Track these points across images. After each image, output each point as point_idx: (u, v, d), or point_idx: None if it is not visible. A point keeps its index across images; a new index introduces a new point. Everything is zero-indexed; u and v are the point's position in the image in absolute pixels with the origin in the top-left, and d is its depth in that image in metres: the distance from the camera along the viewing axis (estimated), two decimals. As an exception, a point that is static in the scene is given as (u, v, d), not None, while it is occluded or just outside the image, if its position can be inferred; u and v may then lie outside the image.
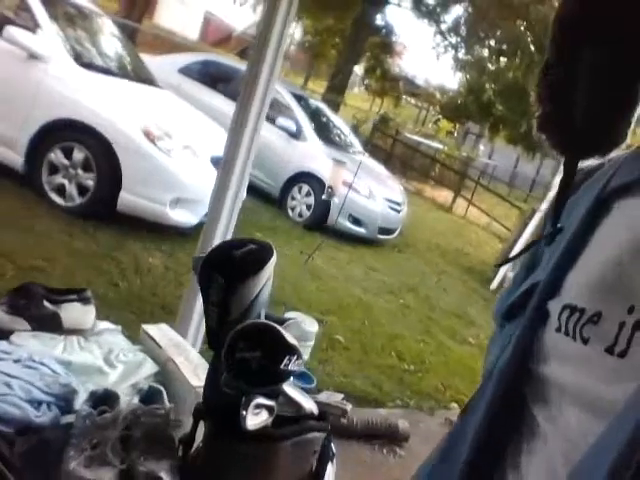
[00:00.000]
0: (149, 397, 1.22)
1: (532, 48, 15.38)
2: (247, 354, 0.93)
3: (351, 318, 4.79)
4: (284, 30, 2.17)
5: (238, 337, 0.94)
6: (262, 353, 0.94)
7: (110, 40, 5.54)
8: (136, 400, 1.20)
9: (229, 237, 2.43)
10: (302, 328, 3.69)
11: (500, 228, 10.96)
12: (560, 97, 0.54)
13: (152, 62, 7.62)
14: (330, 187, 4.17)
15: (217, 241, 2.34)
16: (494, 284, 7.51)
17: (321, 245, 6.09)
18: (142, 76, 5.42)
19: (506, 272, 7.55)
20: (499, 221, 11.39)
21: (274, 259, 1.08)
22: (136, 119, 4.35)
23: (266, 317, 1.18)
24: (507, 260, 0.62)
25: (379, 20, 15.89)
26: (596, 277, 0.51)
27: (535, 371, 0.54)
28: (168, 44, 13.96)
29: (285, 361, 0.96)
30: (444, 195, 13.66)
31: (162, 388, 1.25)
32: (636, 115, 0.54)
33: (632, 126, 0.55)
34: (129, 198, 4.29)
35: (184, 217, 4.48)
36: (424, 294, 6.19)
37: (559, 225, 0.57)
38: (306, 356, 3.71)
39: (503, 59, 16.87)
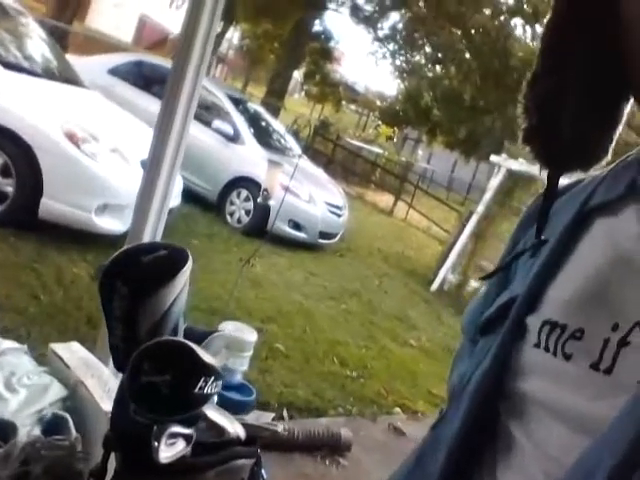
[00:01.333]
0: (53, 426, 1.08)
1: (468, 56, 15.86)
2: (155, 378, 0.81)
3: (292, 325, 4.69)
4: (210, 29, 2.08)
5: (143, 358, 0.81)
6: (172, 376, 0.81)
7: (32, 40, 5.23)
8: (37, 430, 1.06)
9: (158, 237, 2.27)
10: (239, 338, 3.55)
11: (439, 231, 11.16)
12: (547, 109, 0.54)
13: (80, 63, 7.31)
14: (266, 190, 4.04)
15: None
16: (434, 286, 7.60)
17: (259, 251, 5.95)
18: (67, 77, 5.14)
19: (446, 274, 7.67)
20: (438, 224, 11.61)
21: (189, 265, 0.96)
22: (58, 121, 4.09)
23: (188, 331, 1.06)
24: (492, 274, 0.59)
25: (318, 26, 15.97)
26: (578, 293, 0.51)
27: (512, 387, 0.53)
28: (101, 46, 13.49)
29: (200, 384, 0.83)
30: (385, 199, 13.81)
31: (68, 416, 1.10)
32: (618, 132, 0.55)
33: (614, 143, 0.55)
34: (51, 205, 4.02)
35: (112, 224, 4.25)
36: (366, 298, 6.17)
37: (543, 237, 0.56)
38: (245, 367, 3.57)
39: (440, 66, 17.31)
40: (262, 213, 6.48)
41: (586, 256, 0.53)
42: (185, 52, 2.02)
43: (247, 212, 6.61)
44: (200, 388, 0.81)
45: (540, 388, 0.51)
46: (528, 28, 15.15)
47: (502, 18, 15.26)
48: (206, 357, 0.83)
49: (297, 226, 6.78)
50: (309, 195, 6.88)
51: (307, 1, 13.81)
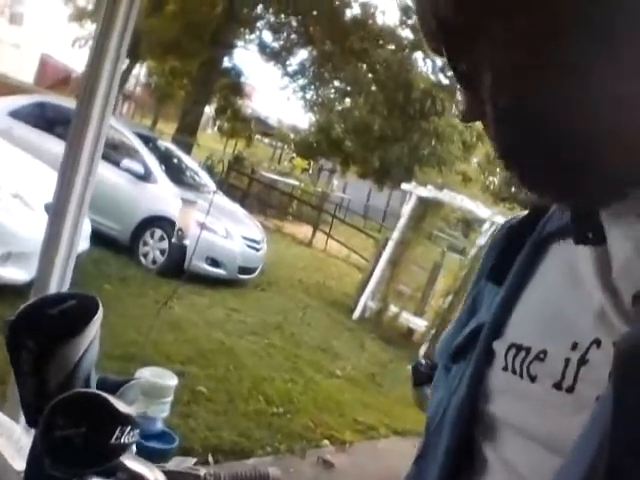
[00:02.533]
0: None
1: (374, 88, 16.53)
2: (69, 431, 0.76)
3: (214, 366, 4.57)
4: (115, 67, 2.03)
5: (56, 412, 0.77)
6: (87, 428, 0.77)
7: None
8: None
9: (66, 287, 2.15)
10: (157, 384, 3.40)
11: (359, 259, 11.37)
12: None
13: (-25, 105, 6.94)
14: (180, 229, 3.96)
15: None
16: (356, 314, 7.70)
17: (177, 292, 5.80)
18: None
19: (366, 302, 7.80)
20: (357, 252, 11.83)
21: (100, 315, 0.92)
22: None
23: (101, 381, 1.01)
24: (464, 306, 0.68)
25: (227, 62, 16.07)
26: (539, 316, 0.53)
27: (484, 410, 0.55)
28: (2, 89, 12.85)
29: (116, 434, 0.79)
30: (304, 230, 13.92)
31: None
32: None
33: None
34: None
35: (16, 274, 4.00)
36: (289, 331, 6.14)
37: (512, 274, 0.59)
38: (165, 413, 3.41)
39: (349, 99, 17.89)
40: (177, 252, 6.34)
41: (543, 280, 0.55)
42: (90, 91, 1.96)
43: (162, 252, 6.44)
44: (117, 438, 0.78)
45: (509, 410, 0.52)
46: (428, 61, 16.05)
47: (404, 52, 16.08)
48: (121, 406, 0.80)
49: (215, 263, 6.67)
50: (226, 231, 6.81)
51: (214, 39, 13.91)
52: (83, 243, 5.07)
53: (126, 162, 6.66)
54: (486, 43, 0.45)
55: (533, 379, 0.50)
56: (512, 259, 0.59)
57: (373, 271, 8.00)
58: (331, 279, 9.74)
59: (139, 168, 6.70)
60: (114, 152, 6.99)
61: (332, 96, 18.10)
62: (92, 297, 0.92)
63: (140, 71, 23.15)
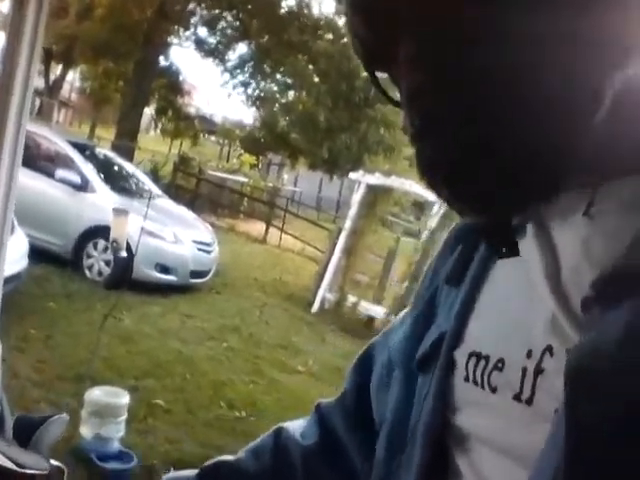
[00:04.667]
0: None
1: (317, 80, 16.44)
2: None
3: (171, 376, 4.42)
4: (29, 69, 1.88)
5: None
6: None
7: None
8: None
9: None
10: (109, 405, 3.24)
11: (314, 251, 11.32)
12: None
13: None
14: (115, 241, 3.78)
15: None
16: (315, 307, 7.64)
17: (127, 303, 5.58)
18: None
19: (324, 294, 7.75)
20: (312, 245, 11.77)
21: None
22: None
23: (20, 421, 0.90)
24: (412, 306, 0.70)
25: (163, 61, 15.64)
26: (494, 322, 0.52)
27: (453, 423, 0.54)
28: None
29: None
30: (257, 227, 13.76)
31: None
32: None
33: None
34: None
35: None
36: (247, 332, 6.02)
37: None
38: (121, 432, 3.25)
39: (292, 92, 17.76)
40: (123, 262, 6.11)
41: (498, 284, 0.54)
42: (3, 101, 1.82)
43: (107, 263, 6.20)
44: None
45: (475, 421, 0.52)
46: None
47: (343, 41, 16.06)
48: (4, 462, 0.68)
49: (165, 269, 6.46)
50: (174, 235, 6.61)
51: (147, 39, 13.49)
52: (20, 262, 4.81)
53: (61, 172, 6.37)
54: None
55: (494, 390, 0.49)
56: (468, 260, 0.57)
57: (329, 262, 7.96)
58: (287, 274, 9.65)
59: (75, 178, 6.42)
60: (48, 163, 6.68)
61: (274, 90, 17.91)
62: None
63: (75, 77, 22.39)
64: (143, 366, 4.44)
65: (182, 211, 7.94)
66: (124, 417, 3.23)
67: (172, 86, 16.39)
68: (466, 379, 0.52)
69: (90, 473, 2.93)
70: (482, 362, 0.51)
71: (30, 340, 4.32)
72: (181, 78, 17.02)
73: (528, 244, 0.50)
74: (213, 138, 26.39)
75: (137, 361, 4.52)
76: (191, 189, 14.37)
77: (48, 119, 15.98)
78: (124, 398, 3.23)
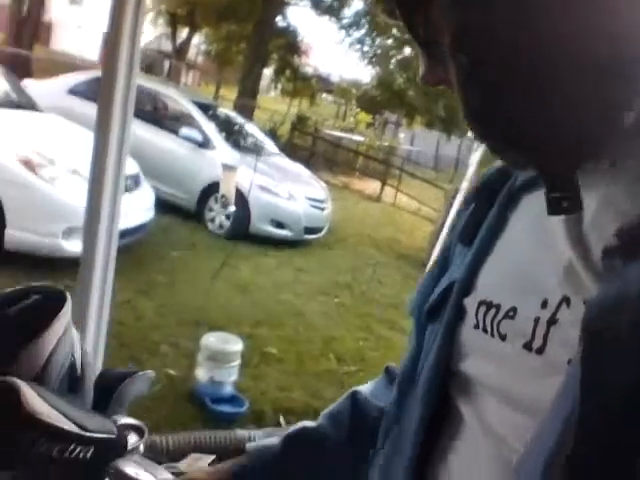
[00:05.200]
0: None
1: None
2: None
3: (283, 327, 4.54)
4: (136, 24, 1.93)
5: None
6: None
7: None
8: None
9: (112, 261, 2.10)
10: (223, 350, 3.39)
11: (430, 211, 11.00)
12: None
13: (40, 87, 7.13)
14: (223, 196, 3.88)
15: (98, 269, 2.03)
16: (429, 267, 7.45)
17: (244, 254, 5.80)
18: (20, 102, 4.97)
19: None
20: (428, 204, 11.45)
21: (68, 309, 0.81)
22: (12, 149, 3.93)
23: (104, 375, 0.90)
24: (437, 261, 0.71)
25: (281, 21, 15.74)
26: (508, 272, 0.52)
27: (458, 368, 0.55)
28: (67, 67, 13.26)
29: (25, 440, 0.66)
30: (372, 186, 13.64)
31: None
32: None
33: None
34: (16, 235, 3.87)
35: (79, 247, 4.10)
36: (359, 289, 6.02)
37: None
38: (233, 377, 3.39)
39: (408, 48, 17.11)
40: (241, 217, 6.34)
41: (514, 235, 0.54)
42: (112, 53, 1.88)
43: (228, 217, 6.45)
44: (28, 445, 0.62)
45: (481, 369, 0.52)
46: None
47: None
48: (39, 408, 0.65)
49: (280, 225, 6.62)
50: (288, 192, 6.72)
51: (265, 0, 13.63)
52: (147, 212, 5.14)
53: (185, 130, 6.68)
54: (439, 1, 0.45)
55: (503, 338, 0.49)
56: (481, 218, 0.58)
57: (444, 222, 7.68)
58: (401, 233, 9.49)
59: (198, 136, 6.70)
60: (174, 122, 7.03)
61: (391, 46, 17.36)
62: (59, 290, 0.80)
63: (200, 40, 23.27)
64: (257, 315, 4.60)
65: (297, 168, 8.03)
66: (237, 362, 3.37)
67: (290, 46, 16.49)
68: (475, 326, 0.52)
69: (203, 415, 3.11)
70: (492, 310, 0.51)
71: (155, 285, 4.64)
72: (298, 38, 17.04)
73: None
74: (330, 97, 26.36)
75: (252, 310, 4.69)
76: (307, 147, 14.53)
77: (176, 81, 16.84)
78: (237, 345, 3.37)
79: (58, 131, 4.70)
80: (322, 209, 7.25)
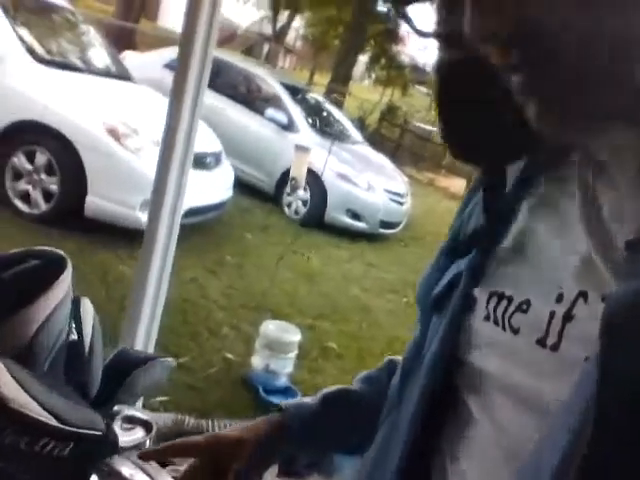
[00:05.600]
0: None
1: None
2: None
3: (347, 322, 4.41)
4: (214, 4, 1.89)
5: None
6: None
7: (77, 35, 5.24)
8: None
9: (174, 236, 2.07)
10: (281, 339, 3.30)
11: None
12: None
13: (138, 59, 7.37)
14: (294, 178, 3.76)
15: (160, 243, 2.00)
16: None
17: (316, 243, 5.71)
18: (116, 72, 5.11)
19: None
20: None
21: (68, 276, 0.75)
22: (100, 117, 4.03)
23: (121, 355, 0.85)
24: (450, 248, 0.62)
25: (381, 6, 15.44)
26: (520, 263, 0.50)
27: (466, 360, 0.53)
28: (169, 43, 13.74)
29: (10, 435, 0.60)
30: (458, 184, 13.15)
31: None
32: None
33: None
34: (96, 202, 3.97)
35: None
36: (431, 290, 5.78)
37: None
38: (289, 369, 3.31)
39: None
40: (318, 203, 6.24)
41: (528, 224, 0.52)
42: (192, 20, 1.84)
43: (304, 203, 6.39)
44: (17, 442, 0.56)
45: (491, 362, 0.50)
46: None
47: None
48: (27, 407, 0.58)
49: (356, 216, 6.46)
50: (367, 183, 6.54)
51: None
52: (227, 191, 5.16)
53: (270, 112, 6.67)
54: None
55: (516, 332, 0.48)
56: (494, 200, 0.55)
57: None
58: (483, 236, 9.07)
59: (283, 118, 6.66)
60: (262, 102, 7.04)
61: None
62: (59, 255, 0.76)
63: (300, 24, 23.39)
64: (322, 307, 4.50)
65: (380, 159, 7.83)
66: (294, 354, 3.28)
67: (388, 33, 16.15)
68: (486, 318, 0.51)
69: (255, 403, 3.05)
70: (504, 302, 0.49)
71: (224, 265, 4.64)
72: (397, 25, 16.65)
73: (572, 183, 0.48)
74: (424, 89, 25.74)
75: (317, 301, 4.59)
76: (394, 139, 14.23)
77: (273, 64, 17.05)
78: (296, 335, 3.28)
79: (147, 103, 4.77)
80: (401, 203, 7.02)
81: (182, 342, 3.34)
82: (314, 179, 6.05)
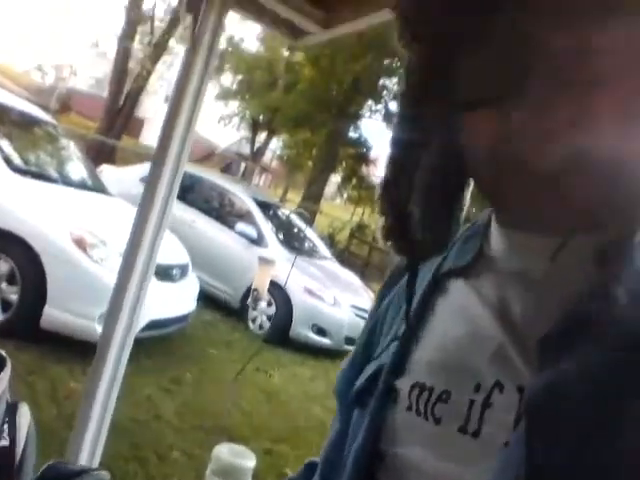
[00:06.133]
0: None
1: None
2: None
3: (307, 445, 4.20)
4: (192, 114, 1.98)
5: None
6: None
7: (57, 148, 5.40)
8: None
9: (127, 350, 2.01)
10: (233, 464, 3.12)
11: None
12: (398, 210, 0.57)
13: (115, 172, 7.58)
14: (256, 290, 3.76)
15: (114, 347, 1.94)
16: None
17: (279, 361, 5.59)
18: (91, 185, 5.23)
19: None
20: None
21: (6, 376, 0.78)
22: (68, 227, 4.04)
23: (50, 470, 0.79)
24: (364, 333, 0.69)
25: (352, 132, 16.46)
26: (440, 355, 0.53)
27: (389, 453, 0.54)
28: (148, 159, 14.26)
29: None
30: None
31: None
32: (463, 214, 0.57)
33: (460, 225, 0.57)
34: (54, 314, 3.87)
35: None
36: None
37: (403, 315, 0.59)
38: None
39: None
40: (283, 319, 6.19)
41: (443, 320, 0.55)
42: (167, 135, 1.90)
43: (269, 318, 6.33)
44: None
45: (415, 452, 0.51)
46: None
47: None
48: None
49: (321, 331, 6.40)
50: (334, 298, 6.57)
51: (341, 111, 14.38)
52: (191, 304, 5.10)
53: (241, 226, 6.80)
54: None
55: (437, 421, 0.49)
56: (411, 293, 0.58)
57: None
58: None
59: (252, 232, 6.79)
60: (233, 217, 7.20)
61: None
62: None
63: (277, 145, 24.66)
64: (282, 429, 4.30)
65: (348, 276, 7.93)
66: (248, 481, 3.08)
67: (359, 156, 17.10)
68: (409, 408, 0.52)
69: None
70: (425, 393, 0.51)
71: (182, 383, 4.46)
72: (368, 149, 17.70)
73: (482, 285, 0.52)
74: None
75: (277, 422, 4.40)
76: (363, 256, 14.51)
77: (249, 181, 17.71)
78: (251, 461, 3.08)
79: (118, 214, 4.83)
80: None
81: (129, 467, 3.12)
82: (280, 293, 6.05)
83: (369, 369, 0.59)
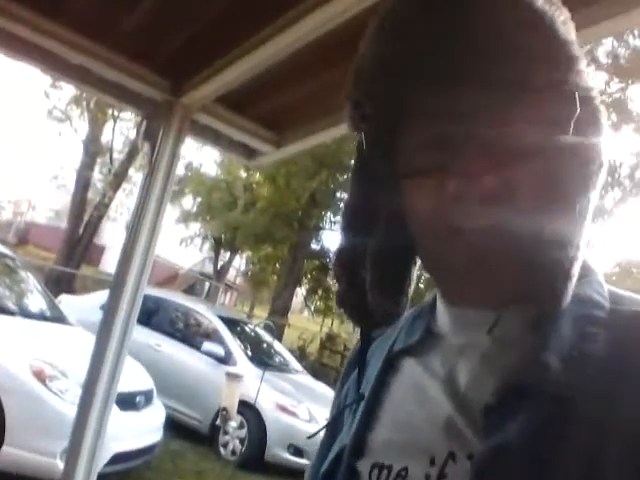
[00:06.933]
0: None
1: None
2: None
3: None
4: (151, 239, 2.01)
5: None
6: None
7: (15, 281, 5.32)
8: None
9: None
10: None
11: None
12: (351, 279, 0.59)
13: (74, 301, 7.44)
14: (225, 409, 3.62)
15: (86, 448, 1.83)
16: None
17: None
18: (50, 316, 5.10)
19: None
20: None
21: None
22: (27, 359, 3.90)
23: None
24: (315, 433, 0.70)
25: (314, 244, 16.78)
26: (395, 435, 0.54)
27: None
28: (108, 286, 14.05)
29: None
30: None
31: None
32: (411, 290, 0.60)
33: (409, 300, 0.59)
34: (12, 453, 3.61)
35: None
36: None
37: (361, 391, 0.61)
38: None
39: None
40: (257, 441, 5.89)
41: (396, 399, 0.57)
42: (124, 263, 1.91)
43: (242, 441, 6.00)
44: None
45: None
46: None
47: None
48: None
49: (298, 452, 6.07)
50: (309, 413, 6.32)
51: (300, 225, 14.75)
52: (156, 434, 4.82)
53: (207, 345, 6.64)
54: None
55: None
56: (363, 378, 0.61)
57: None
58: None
59: (220, 351, 6.63)
60: (198, 337, 7.05)
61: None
62: None
63: (241, 262, 24.80)
64: None
65: (321, 388, 7.71)
66: None
67: (323, 267, 17.30)
68: None
69: None
70: (385, 472, 0.52)
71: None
72: (331, 259, 17.96)
73: (431, 361, 0.55)
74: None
75: None
76: (336, 366, 14.21)
77: (214, 300, 17.57)
78: None
79: (79, 344, 4.67)
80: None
81: None
82: (251, 412, 5.81)
83: (333, 451, 0.61)
